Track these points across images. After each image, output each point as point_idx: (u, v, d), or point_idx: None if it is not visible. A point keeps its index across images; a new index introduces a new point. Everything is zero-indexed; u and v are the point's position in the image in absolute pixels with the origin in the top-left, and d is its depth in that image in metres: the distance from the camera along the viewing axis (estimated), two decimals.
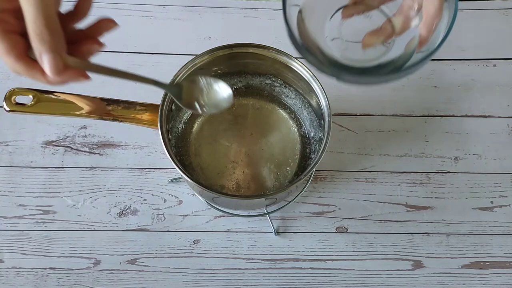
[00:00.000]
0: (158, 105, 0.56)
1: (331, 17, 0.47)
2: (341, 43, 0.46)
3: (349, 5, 0.47)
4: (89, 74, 0.40)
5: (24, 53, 0.37)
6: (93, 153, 0.70)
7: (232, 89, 0.52)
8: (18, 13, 0.36)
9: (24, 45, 0.37)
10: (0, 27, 0.36)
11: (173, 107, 0.59)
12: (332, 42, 0.46)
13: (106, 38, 0.70)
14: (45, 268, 0.66)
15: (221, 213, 0.68)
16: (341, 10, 0.47)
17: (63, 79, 0.37)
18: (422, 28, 0.44)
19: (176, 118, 0.65)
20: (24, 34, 0.36)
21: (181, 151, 0.65)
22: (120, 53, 0.74)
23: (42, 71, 0.37)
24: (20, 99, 0.53)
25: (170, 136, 0.59)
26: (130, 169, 0.70)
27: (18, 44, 0.36)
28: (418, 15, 0.45)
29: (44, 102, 0.53)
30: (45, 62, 0.36)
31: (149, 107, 0.56)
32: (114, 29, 0.40)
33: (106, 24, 0.40)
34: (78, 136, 0.71)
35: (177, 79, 0.57)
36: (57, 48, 0.36)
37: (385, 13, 0.47)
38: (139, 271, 0.66)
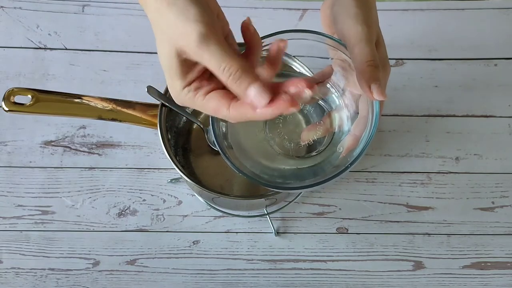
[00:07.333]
0: (158, 105, 0.56)
1: None
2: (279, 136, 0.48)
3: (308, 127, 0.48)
4: None
5: (231, 100, 0.36)
6: (92, 153, 0.70)
7: None
8: (206, 74, 0.37)
9: (227, 95, 0.36)
10: (202, 92, 0.36)
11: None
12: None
13: (105, 38, 0.69)
14: (44, 269, 0.65)
15: (220, 214, 0.68)
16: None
17: (274, 109, 0.35)
18: (355, 128, 0.45)
19: (176, 118, 0.64)
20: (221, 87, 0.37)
21: (180, 151, 0.65)
22: (119, 52, 0.74)
23: (252, 108, 0.35)
24: (18, 99, 0.53)
25: (169, 136, 0.59)
26: (129, 169, 0.69)
27: (222, 97, 0.36)
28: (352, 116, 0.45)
29: (43, 102, 0.53)
30: (251, 96, 0.34)
31: (149, 107, 0.56)
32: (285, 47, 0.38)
33: (278, 46, 0.38)
34: (77, 136, 0.70)
35: None
36: (255, 78, 0.35)
37: (325, 107, 0.48)
38: (138, 271, 0.66)
